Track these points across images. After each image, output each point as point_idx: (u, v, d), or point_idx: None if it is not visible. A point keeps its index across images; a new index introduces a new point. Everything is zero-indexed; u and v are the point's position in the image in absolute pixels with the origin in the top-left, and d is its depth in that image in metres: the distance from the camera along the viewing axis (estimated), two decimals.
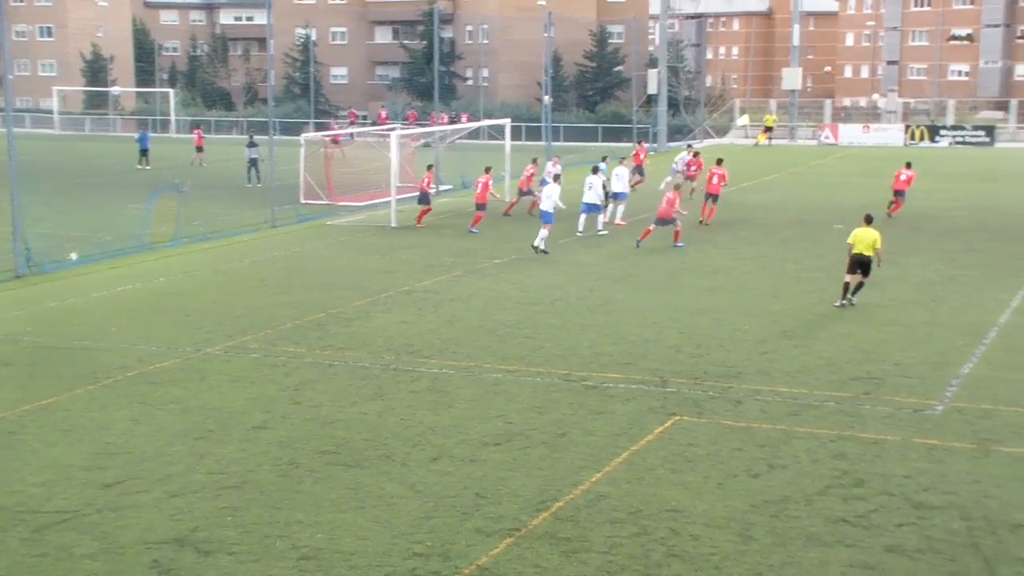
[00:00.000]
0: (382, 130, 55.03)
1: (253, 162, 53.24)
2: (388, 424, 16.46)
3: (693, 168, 46.23)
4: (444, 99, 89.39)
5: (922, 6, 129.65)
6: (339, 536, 12.36)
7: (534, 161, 41.83)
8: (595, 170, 35.85)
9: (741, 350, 20.73)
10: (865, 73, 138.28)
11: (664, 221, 32.53)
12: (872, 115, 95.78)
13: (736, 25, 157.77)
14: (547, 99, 63.22)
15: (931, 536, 12.27)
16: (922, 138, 73.33)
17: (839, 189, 47.58)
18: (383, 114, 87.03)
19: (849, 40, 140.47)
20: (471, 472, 14.37)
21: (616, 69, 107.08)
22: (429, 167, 40.24)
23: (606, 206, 36.10)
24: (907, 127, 75.19)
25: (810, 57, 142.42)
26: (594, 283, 27.60)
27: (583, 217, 35.37)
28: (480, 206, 36.92)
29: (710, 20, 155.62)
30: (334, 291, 26.74)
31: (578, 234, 34.96)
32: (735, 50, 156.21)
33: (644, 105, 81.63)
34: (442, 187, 49.12)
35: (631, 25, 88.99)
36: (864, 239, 23.93)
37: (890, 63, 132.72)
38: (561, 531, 12.43)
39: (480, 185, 37.29)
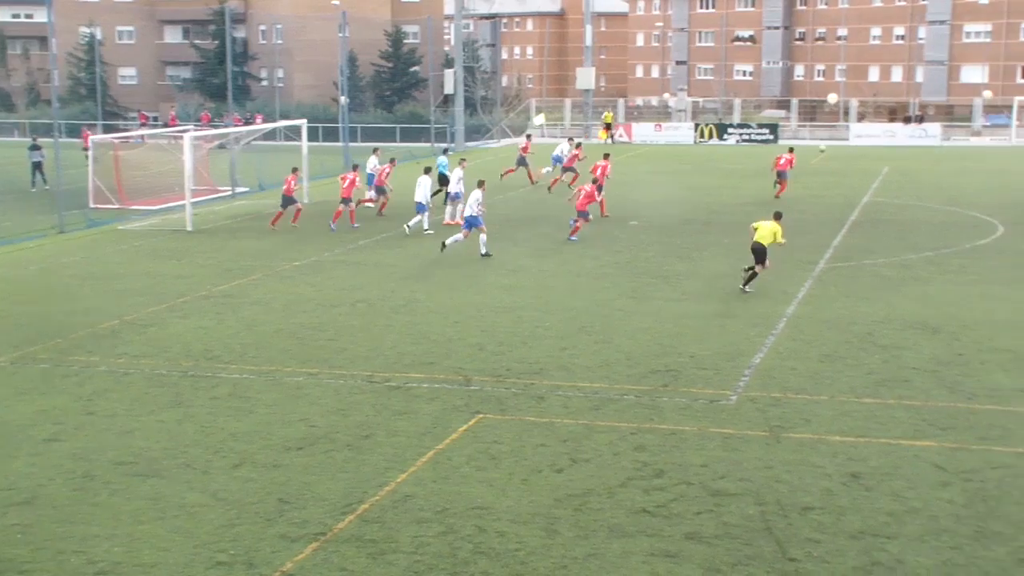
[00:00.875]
0: (175, 131, 53.60)
1: (37, 165, 51.16)
2: (188, 432, 16.06)
3: (575, 161, 47.71)
4: (238, 100, 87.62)
5: (707, 8, 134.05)
6: (138, 549, 12.00)
7: (392, 161, 41.34)
8: (427, 170, 36.50)
9: (542, 347, 21.02)
10: (656, 73, 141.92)
11: (582, 213, 33.67)
12: (664, 114, 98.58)
13: (530, 25, 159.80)
14: (343, 100, 62.74)
15: (728, 522, 12.71)
16: (711, 136, 75.73)
17: (634, 187, 48.71)
18: (173, 115, 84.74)
19: (640, 40, 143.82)
20: (274, 477, 14.16)
21: (413, 69, 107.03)
22: (294, 169, 38.42)
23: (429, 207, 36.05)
24: (697, 125, 77.50)
25: (603, 57, 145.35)
26: (396, 283, 27.55)
27: (417, 217, 35.47)
28: (345, 200, 36.60)
29: (504, 20, 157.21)
30: (128, 297, 25.93)
31: (407, 229, 35.08)
32: (530, 50, 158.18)
33: (441, 105, 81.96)
34: (238, 189, 48.22)
35: (426, 25, 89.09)
36: (765, 230, 25.49)
37: (679, 63, 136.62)
38: (367, 533, 12.38)
39: (347, 181, 36.79)
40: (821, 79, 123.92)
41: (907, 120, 78.13)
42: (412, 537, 12.28)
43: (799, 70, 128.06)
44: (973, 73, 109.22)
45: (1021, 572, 11.49)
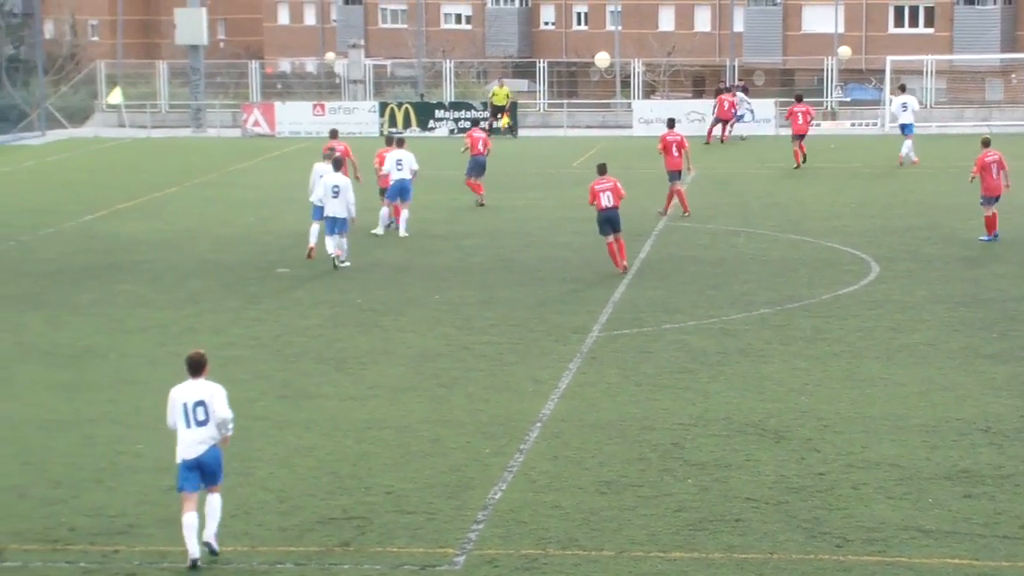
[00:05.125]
0: None
1: None
2: None
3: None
4: None
5: None
6: None
7: None
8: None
9: (132, 487, 20.73)
10: (312, 19, 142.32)
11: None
12: (329, 87, 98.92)
13: None
14: None
15: None
16: (407, 124, 76.49)
17: (278, 208, 48.74)
18: None
19: None
20: None
21: None
22: None
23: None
24: (384, 106, 78.21)
25: None
26: None
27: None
28: None
29: None
30: None
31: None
32: None
33: None
34: None
35: None
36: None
37: (349, 2, 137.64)
38: None
39: None
40: (583, 28, 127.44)
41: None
42: None
43: (547, 13, 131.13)
44: (820, 18, 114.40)
45: None
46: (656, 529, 18.77)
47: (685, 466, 21.36)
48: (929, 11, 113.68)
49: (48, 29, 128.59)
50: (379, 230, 41.90)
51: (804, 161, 58.52)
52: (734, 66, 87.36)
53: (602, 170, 37.11)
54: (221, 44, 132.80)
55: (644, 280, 35.72)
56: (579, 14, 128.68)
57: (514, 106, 77.44)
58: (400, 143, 42.85)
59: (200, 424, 18.20)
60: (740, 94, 74.41)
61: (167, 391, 25.69)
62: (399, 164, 41.38)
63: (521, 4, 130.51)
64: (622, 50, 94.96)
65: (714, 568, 17.44)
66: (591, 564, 17.59)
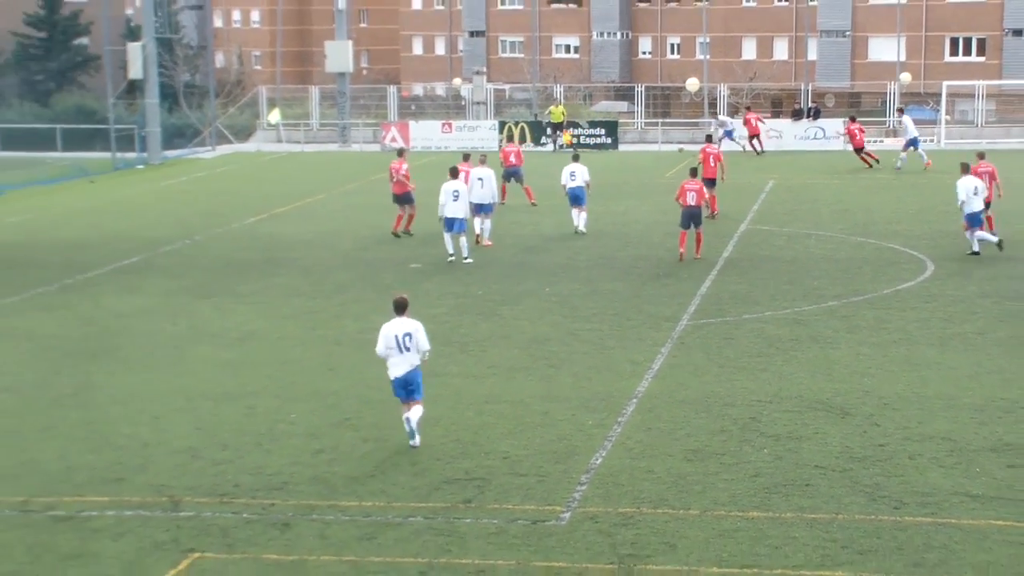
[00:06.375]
0: None
1: None
2: None
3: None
4: None
5: None
6: None
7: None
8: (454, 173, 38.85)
9: (286, 450, 20.94)
10: (441, 48, 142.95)
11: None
12: (455, 108, 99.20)
13: None
14: None
15: None
16: (524, 139, 76.65)
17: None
18: None
19: (416, 2, 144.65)
20: None
21: (78, 42, 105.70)
22: (400, 152, 41.32)
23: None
24: (503, 125, 78.40)
25: (363, 26, 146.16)
26: (59, 362, 27.11)
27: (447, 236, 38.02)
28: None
29: None
30: None
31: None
32: (255, 14, 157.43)
33: (125, 96, 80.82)
34: None
35: None
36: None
37: (474, 34, 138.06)
38: None
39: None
40: (676, 57, 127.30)
41: (797, 114, 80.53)
42: None
43: (645, 44, 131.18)
44: (884, 48, 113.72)
45: None
46: (736, 492, 18.76)
47: (762, 437, 21.32)
48: (981, 42, 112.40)
49: (219, 59, 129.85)
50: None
51: (877, 162, 61.51)
52: (808, 90, 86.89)
53: (693, 173, 38.90)
54: (364, 71, 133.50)
55: (727, 276, 35.60)
56: (672, 44, 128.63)
57: (571, 124, 77.29)
58: (482, 160, 42.28)
59: (407, 350, 21.08)
60: (721, 117, 75.39)
61: (319, 369, 26.12)
62: (481, 181, 40.65)
63: (622, 36, 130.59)
64: (710, 76, 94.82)
65: (786, 526, 17.39)
66: (679, 522, 17.60)
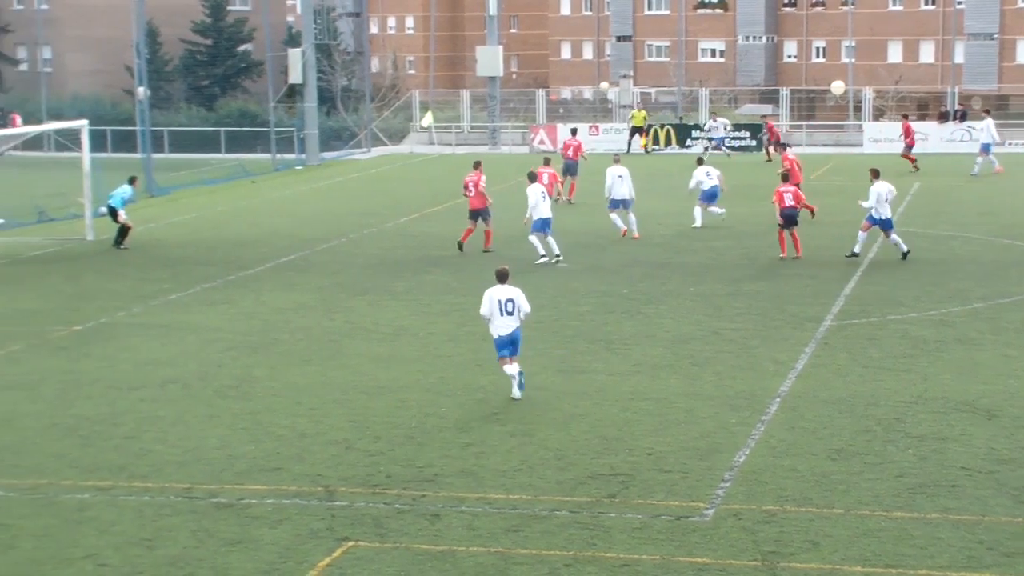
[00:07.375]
0: None
1: None
2: None
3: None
4: None
5: None
6: None
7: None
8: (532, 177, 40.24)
9: (436, 443, 21.02)
10: (589, 53, 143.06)
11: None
12: (601, 111, 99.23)
13: None
14: (141, 91, 62.45)
15: None
16: (668, 142, 76.40)
17: (557, 210, 48.92)
18: None
19: (565, 8, 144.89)
20: None
21: (242, 48, 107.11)
22: (477, 164, 42.35)
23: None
24: (649, 128, 78.19)
25: (513, 31, 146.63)
26: (222, 355, 27.44)
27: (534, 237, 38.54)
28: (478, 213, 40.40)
29: None
30: None
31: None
32: (410, 21, 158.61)
33: (285, 100, 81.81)
34: None
35: None
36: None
37: (621, 39, 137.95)
38: None
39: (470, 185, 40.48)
40: (821, 60, 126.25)
41: (943, 117, 79.41)
42: None
43: (790, 48, 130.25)
44: None
45: None
46: (880, 491, 18.52)
47: (906, 438, 21.04)
48: None
49: (374, 64, 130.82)
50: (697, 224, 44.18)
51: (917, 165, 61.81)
52: (954, 93, 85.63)
53: (784, 178, 40.29)
54: (514, 75, 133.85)
55: (871, 277, 35.21)
56: (817, 48, 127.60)
57: (650, 127, 77.21)
58: (616, 160, 43.26)
59: (509, 313, 23.36)
60: (713, 120, 74.93)
61: (468, 365, 26.22)
62: (620, 177, 41.94)
63: (767, 40, 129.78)
64: (855, 79, 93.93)
65: (931, 527, 17.14)
66: (822, 520, 17.42)
